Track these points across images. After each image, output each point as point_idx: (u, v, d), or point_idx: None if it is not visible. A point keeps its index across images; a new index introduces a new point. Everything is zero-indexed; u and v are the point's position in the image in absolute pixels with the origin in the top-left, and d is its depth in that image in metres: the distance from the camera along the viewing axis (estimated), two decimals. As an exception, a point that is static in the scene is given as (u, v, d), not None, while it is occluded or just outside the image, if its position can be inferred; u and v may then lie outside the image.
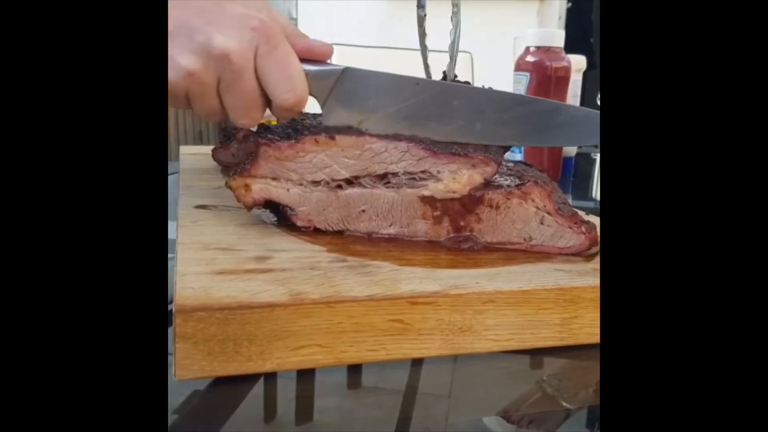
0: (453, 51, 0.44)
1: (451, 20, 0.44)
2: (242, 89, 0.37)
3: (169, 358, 0.29)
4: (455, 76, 0.49)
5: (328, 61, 0.41)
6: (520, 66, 0.85)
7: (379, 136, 0.40)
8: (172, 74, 0.36)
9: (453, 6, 0.44)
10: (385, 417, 0.29)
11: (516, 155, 0.86)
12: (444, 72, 0.45)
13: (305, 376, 0.31)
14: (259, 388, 0.30)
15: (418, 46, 0.48)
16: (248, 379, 0.31)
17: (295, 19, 2.18)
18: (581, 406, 0.31)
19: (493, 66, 1.62)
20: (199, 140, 2.74)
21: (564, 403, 0.31)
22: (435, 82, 0.41)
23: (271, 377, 0.31)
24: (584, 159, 1.40)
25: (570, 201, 0.81)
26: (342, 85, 0.40)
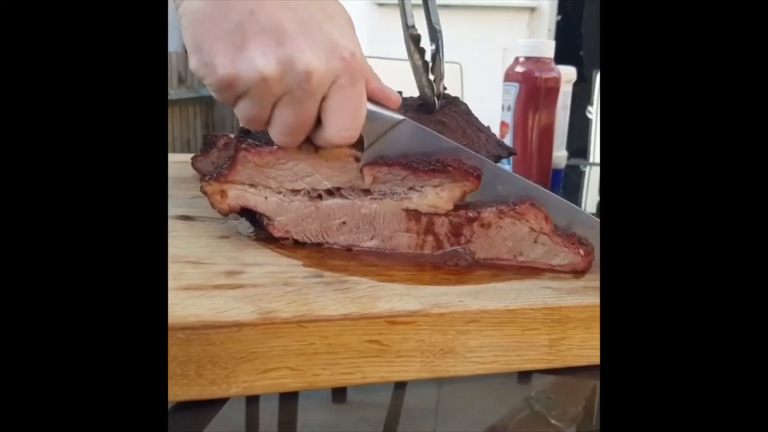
0: (439, 71, 0.43)
1: (431, 43, 0.43)
2: (303, 111, 0.35)
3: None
4: (444, 89, 0.47)
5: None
6: (509, 77, 0.83)
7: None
8: (243, 69, 0.33)
9: (435, 25, 0.43)
10: (371, 432, 0.28)
11: (505, 166, 0.85)
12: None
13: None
14: (240, 403, 0.29)
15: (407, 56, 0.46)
16: (212, 404, 0.28)
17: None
18: (571, 425, 0.29)
19: (483, 77, 1.61)
20: (187, 149, 2.71)
21: (553, 421, 0.30)
22: (484, 160, 0.40)
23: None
24: (574, 171, 1.39)
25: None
26: (393, 134, 0.39)
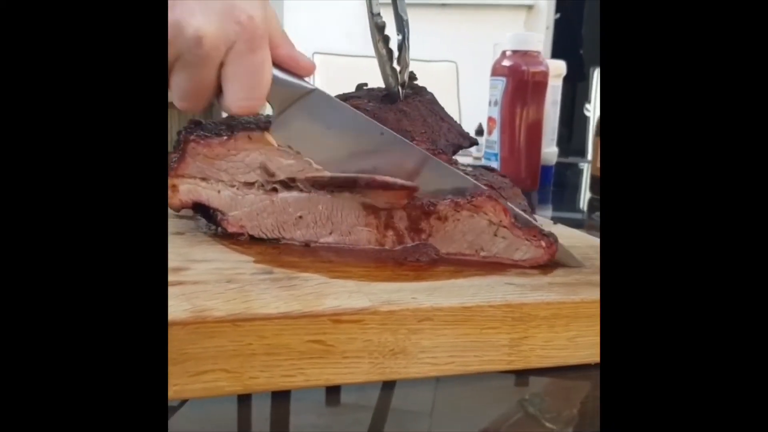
0: (404, 61, 0.41)
1: (398, 34, 0.41)
2: (198, 77, 0.34)
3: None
4: (415, 78, 0.45)
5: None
6: (495, 71, 0.82)
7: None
8: None
9: (402, 14, 0.41)
10: (364, 435, 0.27)
11: (492, 163, 0.83)
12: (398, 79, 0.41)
13: (280, 392, 0.29)
14: (232, 405, 0.28)
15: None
16: (140, 409, 0.26)
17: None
18: (565, 428, 0.28)
19: (478, 76, 1.59)
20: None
21: (547, 424, 0.28)
22: (399, 138, 0.37)
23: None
24: (572, 169, 1.37)
25: (551, 212, 0.78)
26: (305, 104, 0.37)
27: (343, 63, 1.71)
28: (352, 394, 0.30)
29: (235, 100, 0.34)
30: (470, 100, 1.54)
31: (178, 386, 0.27)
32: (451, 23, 1.94)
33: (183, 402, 0.28)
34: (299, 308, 0.28)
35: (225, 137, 0.37)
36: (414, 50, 0.45)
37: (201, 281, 0.31)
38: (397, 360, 0.29)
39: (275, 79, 0.36)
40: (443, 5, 2.00)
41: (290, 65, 0.36)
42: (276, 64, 0.36)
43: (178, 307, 0.27)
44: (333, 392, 0.29)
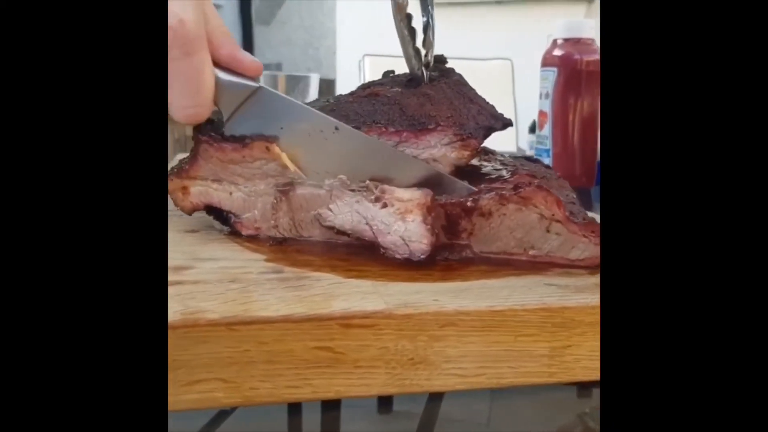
0: (429, 41, 0.38)
1: (423, 15, 0.38)
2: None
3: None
4: (445, 61, 0.42)
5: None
6: (546, 61, 0.77)
7: None
8: None
9: None
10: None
11: (544, 160, 0.78)
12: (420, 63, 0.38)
13: (330, 399, 0.27)
14: (282, 411, 0.27)
15: (461, 55, 0.41)
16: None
17: (334, 28, 2.15)
18: None
19: (535, 73, 1.53)
20: (184, 149, 2.76)
21: None
22: (357, 132, 0.35)
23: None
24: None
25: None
26: (252, 104, 0.35)
27: (395, 65, 1.69)
28: (405, 403, 0.28)
29: (179, 108, 0.33)
30: (526, 98, 1.48)
31: (169, 396, 0.24)
32: (505, 19, 1.88)
33: (234, 408, 0.26)
34: (303, 311, 0.25)
35: (240, 145, 0.34)
36: (468, 48, 0.41)
37: (201, 281, 0.28)
38: (417, 371, 0.26)
39: (219, 81, 0.34)
40: (498, 2, 1.94)
41: (234, 66, 0.35)
42: (219, 66, 0.34)
43: (169, 309, 0.25)
44: (385, 400, 0.27)
